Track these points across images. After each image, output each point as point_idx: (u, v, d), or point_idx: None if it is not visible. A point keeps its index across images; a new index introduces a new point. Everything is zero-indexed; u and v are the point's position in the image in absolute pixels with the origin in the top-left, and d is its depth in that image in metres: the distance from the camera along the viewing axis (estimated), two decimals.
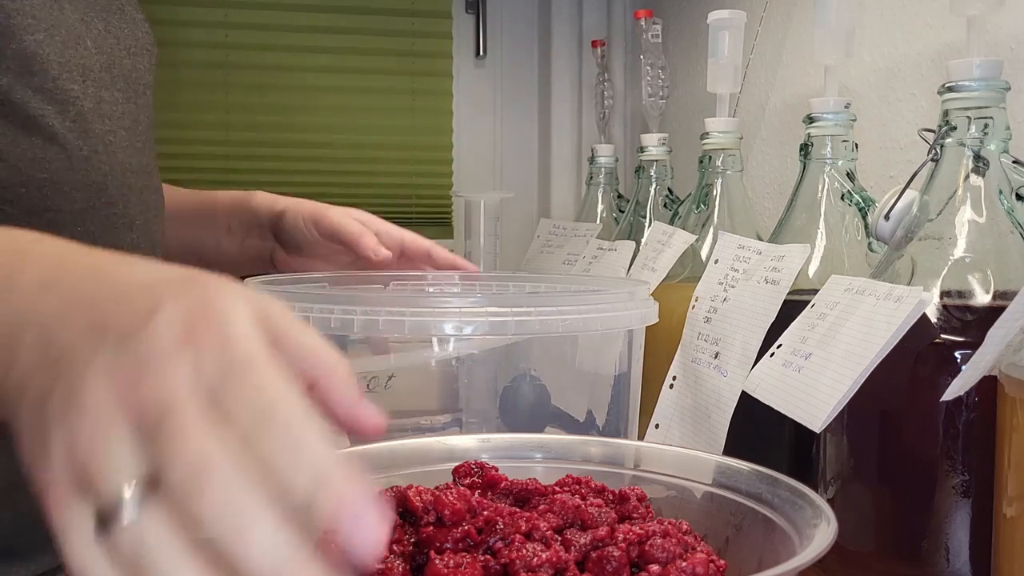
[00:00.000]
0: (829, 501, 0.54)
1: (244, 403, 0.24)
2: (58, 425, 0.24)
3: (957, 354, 0.47)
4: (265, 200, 0.78)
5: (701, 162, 0.80)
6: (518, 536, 0.34)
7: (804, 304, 0.56)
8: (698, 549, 0.36)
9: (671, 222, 0.85)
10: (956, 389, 0.43)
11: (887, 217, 0.57)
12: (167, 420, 0.23)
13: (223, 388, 0.24)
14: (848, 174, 0.66)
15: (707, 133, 0.79)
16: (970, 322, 0.48)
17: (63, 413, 0.25)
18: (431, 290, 0.71)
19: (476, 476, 0.41)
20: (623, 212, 1.04)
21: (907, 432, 0.49)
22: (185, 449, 0.23)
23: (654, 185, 0.97)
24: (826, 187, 0.65)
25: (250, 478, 0.22)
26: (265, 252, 0.79)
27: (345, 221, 0.72)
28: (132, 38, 0.63)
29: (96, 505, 0.23)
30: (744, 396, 0.58)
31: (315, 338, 0.28)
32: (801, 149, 0.67)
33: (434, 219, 1.53)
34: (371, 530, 0.22)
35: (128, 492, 0.23)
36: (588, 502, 0.38)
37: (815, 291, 0.57)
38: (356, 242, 0.70)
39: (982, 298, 0.49)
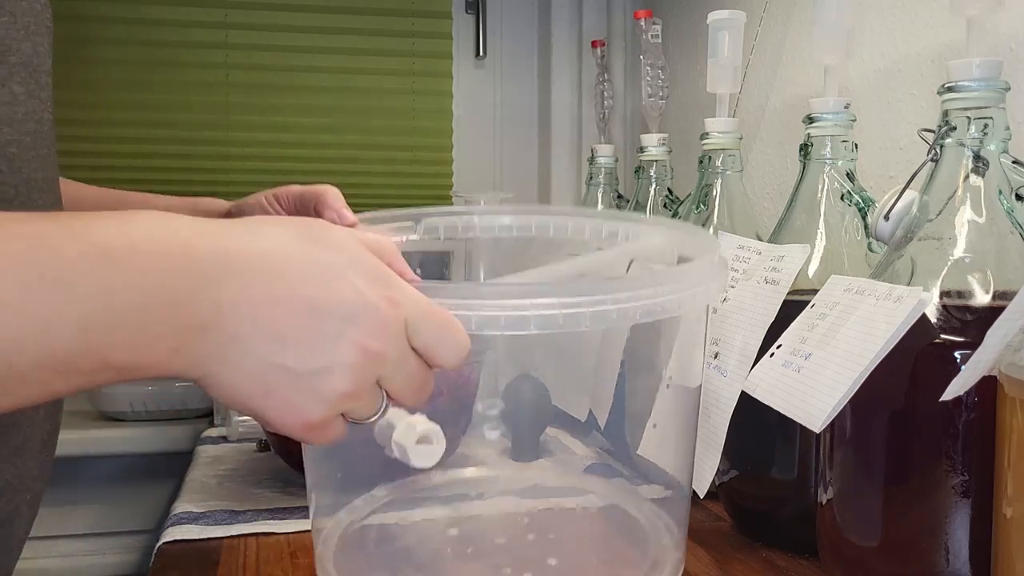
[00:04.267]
0: (828, 501, 0.54)
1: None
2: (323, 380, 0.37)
3: (957, 354, 0.47)
4: (215, 202, 0.74)
5: (701, 162, 0.80)
6: None
7: (804, 304, 0.56)
8: None
9: None
10: (956, 389, 0.44)
11: (887, 217, 0.58)
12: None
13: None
14: (848, 174, 0.66)
15: (707, 133, 0.79)
16: (970, 322, 0.48)
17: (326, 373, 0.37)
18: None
19: None
20: None
21: (907, 432, 0.49)
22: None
23: (654, 185, 0.97)
24: (826, 187, 0.65)
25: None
26: None
27: (310, 186, 0.70)
28: (31, 13, 0.50)
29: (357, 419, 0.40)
30: (743, 396, 0.58)
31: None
32: (801, 149, 0.67)
33: None
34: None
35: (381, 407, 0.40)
36: None
37: (815, 291, 0.57)
38: (323, 194, 0.69)
39: (982, 298, 0.49)
